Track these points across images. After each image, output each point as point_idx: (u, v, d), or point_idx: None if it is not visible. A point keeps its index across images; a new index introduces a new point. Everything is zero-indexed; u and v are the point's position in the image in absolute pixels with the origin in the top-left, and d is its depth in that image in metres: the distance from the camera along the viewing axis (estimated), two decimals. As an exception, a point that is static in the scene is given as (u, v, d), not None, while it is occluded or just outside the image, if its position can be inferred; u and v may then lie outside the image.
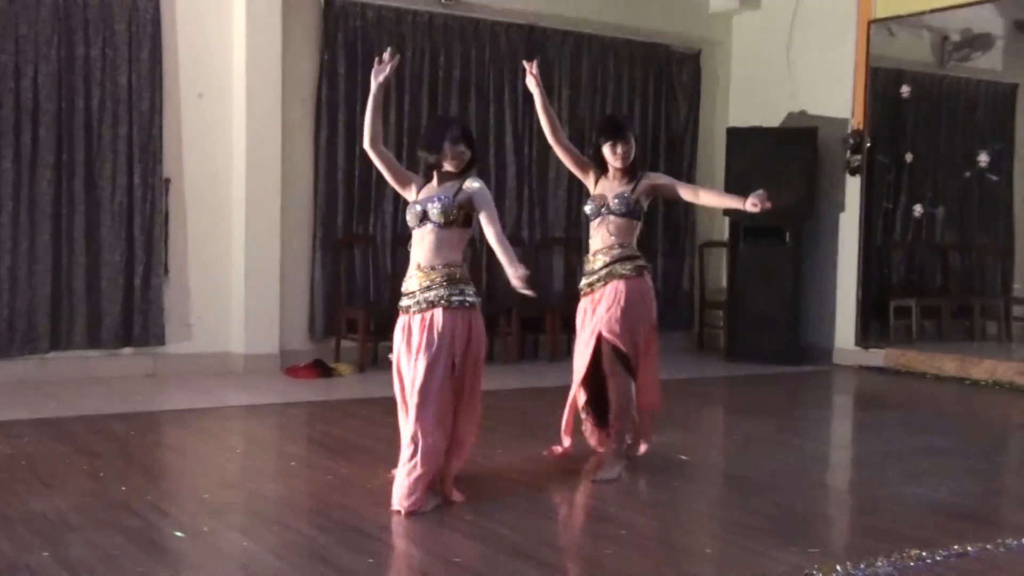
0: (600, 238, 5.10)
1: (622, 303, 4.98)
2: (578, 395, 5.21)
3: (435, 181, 4.52)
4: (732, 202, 5.05)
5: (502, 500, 4.52)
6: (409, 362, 4.40)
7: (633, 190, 5.05)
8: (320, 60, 8.24)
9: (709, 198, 5.28)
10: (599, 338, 5.01)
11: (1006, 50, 9.32)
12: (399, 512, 4.21)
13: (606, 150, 5.07)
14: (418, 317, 4.39)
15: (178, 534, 3.91)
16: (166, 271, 7.75)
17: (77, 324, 7.46)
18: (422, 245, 4.44)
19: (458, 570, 3.59)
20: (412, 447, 4.30)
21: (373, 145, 4.49)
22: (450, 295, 4.37)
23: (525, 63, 5.19)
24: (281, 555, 3.73)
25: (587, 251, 5.21)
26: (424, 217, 4.43)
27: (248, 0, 7.82)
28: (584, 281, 5.17)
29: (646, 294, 5.09)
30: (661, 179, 5.16)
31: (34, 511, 4.11)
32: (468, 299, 4.41)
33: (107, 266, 7.54)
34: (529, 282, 4.25)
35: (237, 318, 7.95)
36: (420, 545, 3.99)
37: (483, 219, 4.45)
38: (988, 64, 9.33)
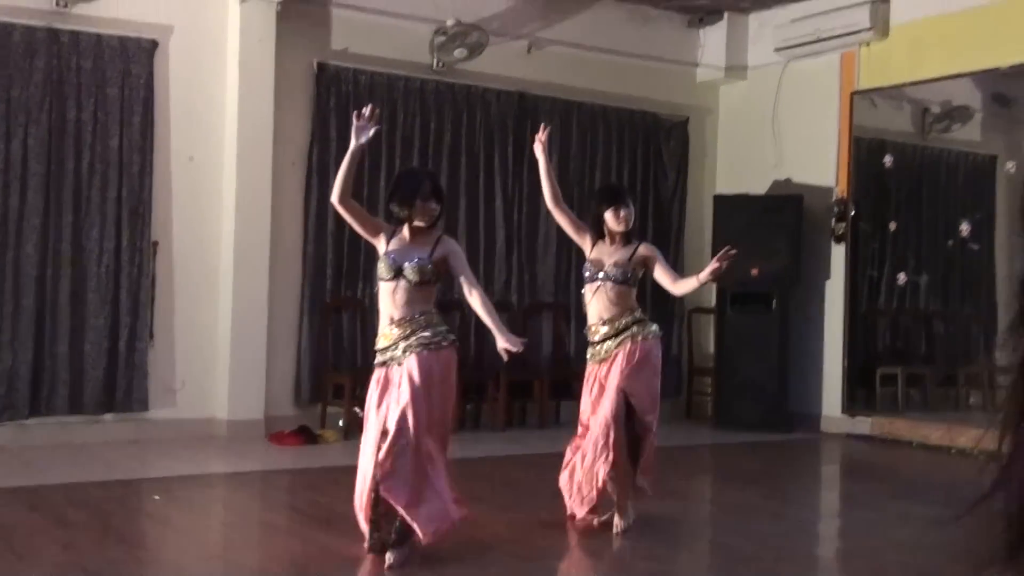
0: (600, 305, 5.13)
1: (634, 363, 5.00)
2: (609, 462, 4.95)
3: (406, 232, 4.55)
4: (694, 282, 5.09)
5: (489, 570, 4.46)
6: (387, 408, 4.43)
7: (630, 259, 5.11)
8: (311, 125, 8.30)
9: (683, 288, 5.23)
10: (625, 396, 4.98)
11: (984, 122, 9.45)
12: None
13: (608, 215, 5.13)
14: (400, 366, 4.45)
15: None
16: (151, 335, 7.69)
17: (58, 389, 7.33)
18: (394, 298, 4.50)
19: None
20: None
21: (343, 200, 4.52)
22: (433, 336, 4.46)
23: (542, 127, 5.29)
24: (263, 628, 3.66)
25: (577, 315, 5.22)
26: (399, 273, 4.45)
27: (241, 64, 7.89)
28: (590, 351, 5.18)
29: (657, 361, 5.13)
30: (654, 257, 5.17)
31: (9, 582, 4.04)
32: (448, 338, 4.52)
33: (91, 330, 7.45)
34: (519, 347, 4.33)
35: (222, 383, 7.88)
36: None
37: (465, 284, 4.55)
38: (968, 135, 9.45)
